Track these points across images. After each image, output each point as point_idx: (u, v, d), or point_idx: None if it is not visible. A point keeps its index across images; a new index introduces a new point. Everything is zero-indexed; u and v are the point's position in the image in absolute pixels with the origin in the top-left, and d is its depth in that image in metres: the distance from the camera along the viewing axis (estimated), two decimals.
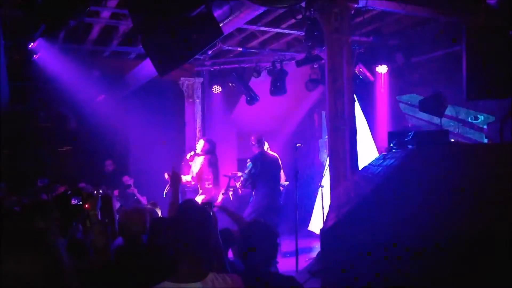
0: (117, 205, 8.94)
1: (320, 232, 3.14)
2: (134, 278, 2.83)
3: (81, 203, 3.34)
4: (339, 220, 2.84)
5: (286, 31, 8.37)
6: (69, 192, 3.53)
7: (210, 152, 8.28)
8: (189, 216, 2.46)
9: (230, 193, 8.68)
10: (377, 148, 9.02)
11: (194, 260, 2.34)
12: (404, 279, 2.30)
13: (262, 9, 6.48)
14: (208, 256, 2.46)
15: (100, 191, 3.59)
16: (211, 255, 2.60)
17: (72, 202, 3.34)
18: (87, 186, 7.21)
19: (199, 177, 8.20)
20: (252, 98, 10.13)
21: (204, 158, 8.22)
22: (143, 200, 8.78)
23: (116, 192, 9.13)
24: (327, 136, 6.75)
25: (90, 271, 2.74)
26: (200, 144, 8.43)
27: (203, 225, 2.42)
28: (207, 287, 2.28)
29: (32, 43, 7.52)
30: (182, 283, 2.27)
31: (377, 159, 4.76)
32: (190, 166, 8.58)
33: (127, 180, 9.31)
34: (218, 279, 2.34)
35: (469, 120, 8.58)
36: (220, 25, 5.60)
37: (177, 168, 8.10)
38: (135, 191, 9.18)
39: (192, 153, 8.51)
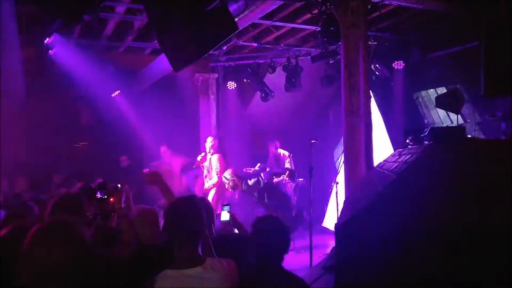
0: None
1: (335, 227, 3.11)
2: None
3: (106, 196, 3.36)
4: (354, 216, 2.82)
5: (301, 26, 8.31)
6: (95, 184, 3.54)
7: (222, 149, 8.32)
8: (182, 205, 2.55)
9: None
10: (392, 144, 8.95)
11: (192, 246, 2.42)
12: (418, 275, 2.27)
13: (277, 3, 6.45)
14: (204, 242, 2.53)
15: (118, 186, 3.58)
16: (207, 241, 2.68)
17: (97, 195, 3.37)
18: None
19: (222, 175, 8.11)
20: (267, 94, 10.12)
21: (219, 156, 8.22)
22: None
23: None
24: None
25: (117, 261, 2.75)
26: (209, 143, 8.35)
27: (196, 213, 2.50)
28: (207, 271, 2.37)
29: (47, 38, 7.59)
30: (183, 269, 2.36)
31: (392, 155, 4.71)
32: (201, 168, 8.52)
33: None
34: (215, 262, 2.44)
35: (487, 117, 8.45)
36: (236, 19, 5.59)
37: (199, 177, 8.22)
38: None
39: (203, 154, 8.46)
